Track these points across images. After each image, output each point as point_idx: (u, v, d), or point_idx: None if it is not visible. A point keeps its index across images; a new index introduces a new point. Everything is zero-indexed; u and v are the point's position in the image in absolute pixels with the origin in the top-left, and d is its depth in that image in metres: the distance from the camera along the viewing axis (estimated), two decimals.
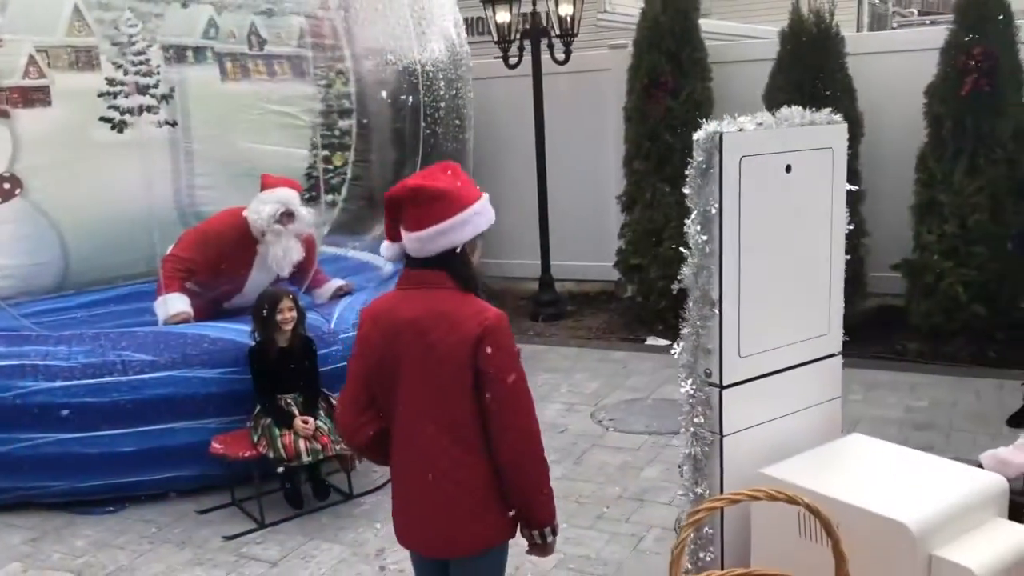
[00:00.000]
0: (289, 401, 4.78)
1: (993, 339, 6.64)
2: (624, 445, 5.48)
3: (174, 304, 5.42)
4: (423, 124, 6.00)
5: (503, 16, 8.03)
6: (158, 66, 6.78)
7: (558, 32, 7.96)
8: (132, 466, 4.86)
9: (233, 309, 5.96)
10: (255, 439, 4.71)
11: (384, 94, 6.22)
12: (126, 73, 6.65)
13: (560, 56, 8.07)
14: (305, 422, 4.66)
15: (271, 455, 4.62)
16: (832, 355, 3.39)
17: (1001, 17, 6.42)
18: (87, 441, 4.79)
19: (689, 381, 2.97)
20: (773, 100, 7.11)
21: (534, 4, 8.01)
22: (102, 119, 6.49)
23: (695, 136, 2.85)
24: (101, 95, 6.51)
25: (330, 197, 7.95)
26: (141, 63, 6.69)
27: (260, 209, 5.56)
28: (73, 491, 4.88)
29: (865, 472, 3.09)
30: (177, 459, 4.90)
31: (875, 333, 6.91)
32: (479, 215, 2.51)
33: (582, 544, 4.32)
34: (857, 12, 15.62)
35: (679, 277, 2.97)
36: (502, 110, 8.84)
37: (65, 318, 6.05)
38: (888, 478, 3.02)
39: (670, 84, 7.49)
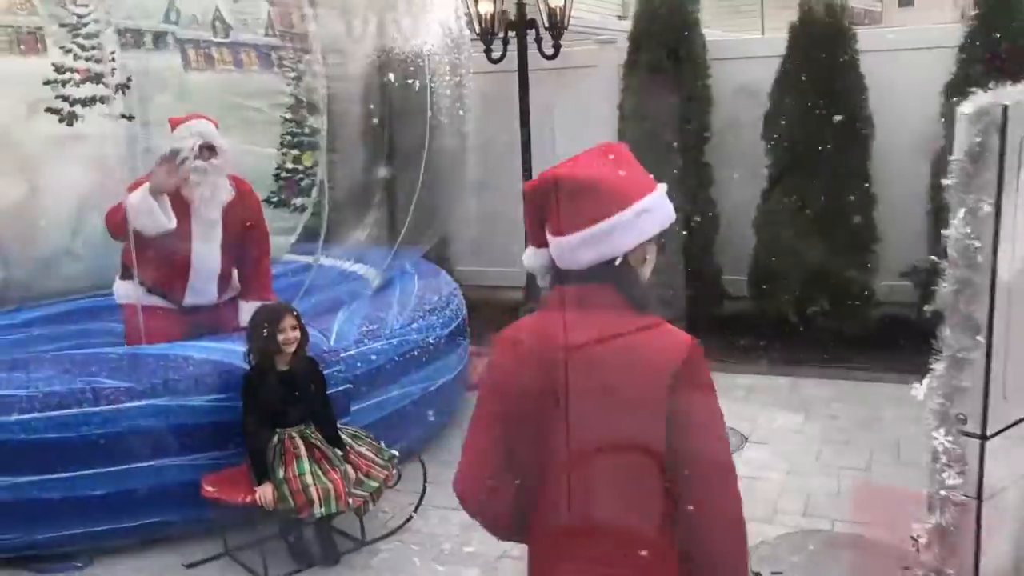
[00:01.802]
0: (294, 435, 4.10)
1: None
2: None
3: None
4: (429, 113, 5.37)
5: (486, 7, 7.46)
6: (113, 52, 6.03)
7: (547, 25, 7.42)
8: (104, 512, 4.11)
9: (203, 320, 5.21)
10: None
11: (391, 76, 5.56)
12: (76, 59, 5.90)
13: (549, 51, 7.53)
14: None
15: (280, 506, 3.94)
16: None
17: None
18: (49, 485, 4.03)
19: (942, 431, 2.34)
20: (782, 96, 6.74)
21: None
22: (48, 110, 5.77)
23: (962, 110, 2.24)
24: (47, 83, 5.79)
25: (299, 201, 7.30)
26: (93, 48, 5.93)
27: (176, 147, 4.86)
28: (31, 544, 4.10)
29: None
30: (159, 503, 4.17)
31: (886, 345, 6.53)
32: (646, 214, 1.87)
33: None
34: None
35: (935, 296, 2.35)
36: (478, 107, 8.26)
37: (11, 338, 5.26)
38: None
39: (669, 81, 7.03)
